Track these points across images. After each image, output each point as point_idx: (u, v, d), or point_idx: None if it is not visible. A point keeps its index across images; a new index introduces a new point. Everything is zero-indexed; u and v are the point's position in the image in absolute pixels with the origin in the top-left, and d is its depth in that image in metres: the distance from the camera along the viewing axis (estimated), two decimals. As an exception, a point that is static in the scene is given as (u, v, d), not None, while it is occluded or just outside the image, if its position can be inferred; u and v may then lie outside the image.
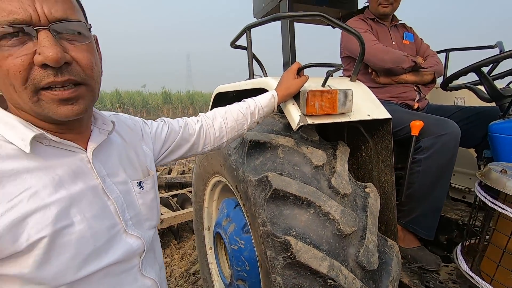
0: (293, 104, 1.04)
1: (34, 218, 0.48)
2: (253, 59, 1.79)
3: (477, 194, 0.88)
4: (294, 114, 1.01)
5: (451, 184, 1.88)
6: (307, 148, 1.11)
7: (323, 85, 1.11)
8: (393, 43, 1.76)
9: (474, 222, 0.93)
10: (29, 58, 0.47)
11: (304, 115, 1.00)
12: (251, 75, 1.48)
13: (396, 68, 1.60)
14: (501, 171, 0.79)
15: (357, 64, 1.20)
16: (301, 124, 0.99)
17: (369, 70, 1.72)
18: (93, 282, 0.56)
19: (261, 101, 1.00)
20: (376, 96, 1.67)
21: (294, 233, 0.94)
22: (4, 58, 0.46)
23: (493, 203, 0.80)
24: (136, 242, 0.64)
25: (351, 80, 1.26)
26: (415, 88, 1.67)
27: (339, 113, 1.04)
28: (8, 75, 0.47)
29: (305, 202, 0.98)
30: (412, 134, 1.31)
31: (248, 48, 1.43)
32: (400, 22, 1.88)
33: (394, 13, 1.82)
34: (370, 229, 1.00)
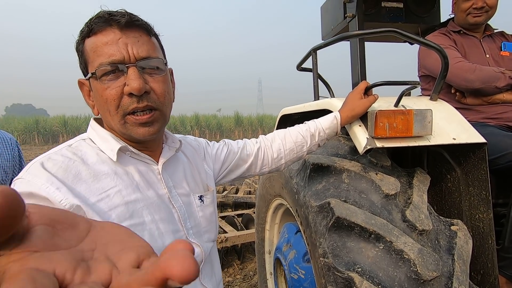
0: (360, 125, 0.96)
1: (116, 211, 0.58)
2: (320, 80, 1.77)
3: None
4: (361, 137, 0.93)
5: None
6: (376, 174, 1.00)
7: (396, 105, 1.01)
8: (487, 56, 1.50)
9: None
10: (121, 89, 0.60)
11: (372, 137, 0.91)
12: (316, 97, 1.44)
13: (487, 88, 1.35)
14: None
15: (438, 81, 1.06)
16: (369, 147, 0.90)
17: (452, 91, 1.49)
18: None
19: (323, 123, 0.96)
20: (467, 113, 1.43)
21: (359, 269, 0.84)
22: (104, 90, 0.60)
23: None
24: (196, 249, 0.70)
25: (431, 99, 1.11)
26: None
27: (415, 136, 0.92)
28: (106, 102, 0.61)
29: (373, 235, 0.87)
30: (517, 162, 1.07)
31: (313, 70, 1.41)
32: (496, 31, 1.60)
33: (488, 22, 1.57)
34: (458, 277, 0.82)
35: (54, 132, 23.75)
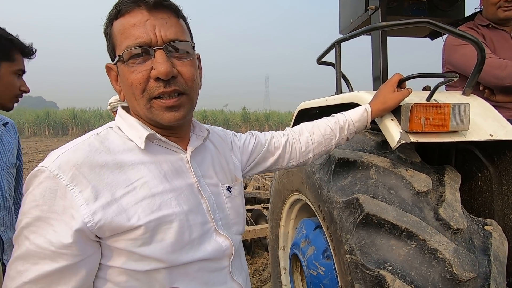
0: (392, 119, 0.93)
1: (143, 204, 0.56)
2: (342, 77, 1.72)
3: None
4: (394, 131, 0.90)
5: None
6: (406, 170, 0.97)
7: (429, 99, 0.96)
8: None
9: None
10: (147, 73, 0.58)
11: (406, 132, 0.88)
12: (339, 91, 1.41)
13: None
14: None
15: (473, 75, 1.01)
16: (402, 141, 0.87)
17: (481, 88, 1.43)
18: (189, 274, 0.61)
19: (352, 115, 0.92)
20: (498, 110, 1.37)
21: (390, 267, 0.81)
22: (130, 73, 0.58)
23: None
24: (225, 242, 0.67)
25: (464, 94, 1.07)
26: None
27: (450, 131, 0.88)
28: (131, 86, 0.59)
29: (404, 233, 0.84)
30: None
31: (336, 63, 1.37)
32: None
33: None
34: (495, 278, 0.79)
35: (64, 124, 24.07)
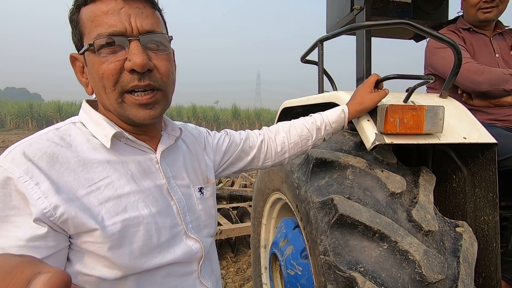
0: (368, 120, 0.92)
1: (108, 205, 0.53)
2: (326, 75, 1.72)
3: None
4: (369, 132, 0.89)
5: None
6: (381, 171, 0.97)
7: (406, 100, 0.97)
8: (497, 55, 1.44)
9: None
10: (120, 64, 0.54)
11: (382, 133, 0.88)
12: (321, 90, 1.40)
13: (495, 90, 1.31)
14: None
15: (450, 78, 1.02)
16: (377, 143, 0.86)
17: (459, 92, 1.45)
18: (157, 281, 0.59)
19: (329, 116, 0.91)
20: (474, 114, 1.39)
21: (362, 269, 0.81)
22: (101, 63, 0.54)
23: None
24: (196, 245, 0.65)
25: (441, 96, 1.07)
26: None
27: (425, 134, 0.88)
28: (102, 77, 0.54)
29: (377, 234, 0.84)
30: (525, 165, 1.04)
31: (319, 62, 1.36)
32: (507, 28, 1.54)
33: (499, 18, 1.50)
34: (463, 280, 0.79)
35: (48, 117, 23.38)
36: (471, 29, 1.50)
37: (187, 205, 0.66)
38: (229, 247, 3.25)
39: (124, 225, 0.54)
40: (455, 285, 0.79)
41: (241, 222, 3.33)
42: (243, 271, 2.87)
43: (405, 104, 0.88)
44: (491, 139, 0.93)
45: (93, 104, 0.63)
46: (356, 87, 1.72)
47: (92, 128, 0.59)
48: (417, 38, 2.36)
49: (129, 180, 0.57)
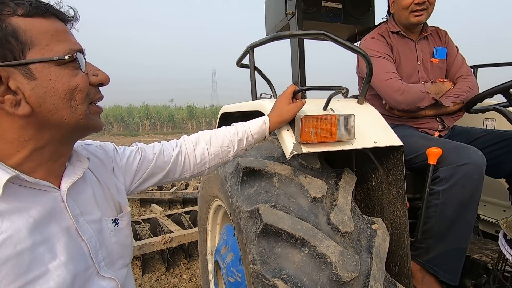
0: (288, 130, 0.96)
1: (7, 267, 0.46)
2: (264, 79, 1.74)
3: (500, 246, 0.72)
4: (288, 142, 0.93)
5: (482, 217, 1.67)
6: (305, 177, 1.01)
7: (325, 108, 1.02)
8: (419, 62, 1.51)
9: (501, 273, 0.76)
10: (88, 78, 0.57)
11: (299, 142, 0.91)
12: (254, 96, 1.41)
13: (412, 108, 1.40)
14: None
15: (364, 86, 1.10)
16: (295, 152, 0.90)
17: (384, 102, 1.51)
18: None
19: (252, 127, 0.92)
20: (392, 119, 1.52)
21: (285, 276, 0.84)
22: (74, 76, 0.55)
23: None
24: (110, 284, 0.62)
25: (358, 102, 1.15)
26: (437, 119, 1.47)
27: (339, 141, 0.94)
28: (75, 90, 0.54)
29: (298, 241, 0.87)
30: (429, 162, 1.17)
31: (250, 68, 1.37)
32: (431, 26, 1.58)
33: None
34: (375, 275, 0.87)
35: None
36: (399, 33, 1.52)
37: (99, 241, 0.62)
38: (182, 254, 3.17)
39: (31, 286, 0.48)
40: (367, 280, 0.85)
41: (195, 226, 3.27)
42: (196, 276, 2.82)
43: (319, 114, 0.92)
44: (398, 142, 1.03)
45: None
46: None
47: None
48: (351, 40, 2.52)
49: (31, 230, 0.50)
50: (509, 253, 0.67)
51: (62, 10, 0.57)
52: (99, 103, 0.62)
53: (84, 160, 0.64)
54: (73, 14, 0.59)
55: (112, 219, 0.67)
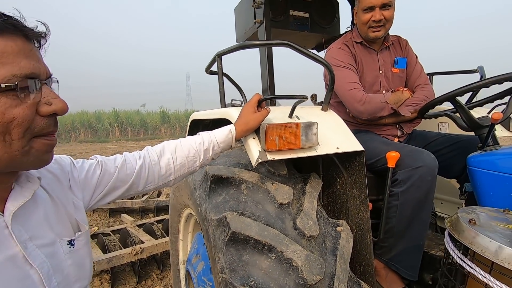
0: (254, 138, 0.97)
1: None
2: (234, 85, 1.75)
3: (446, 244, 0.78)
4: (254, 150, 0.94)
5: (439, 214, 1.79)
6: (272, 184, 1.03)
7: (290, 115, 1.05)
8: (380, 72, 1.59)
9: (446, 267, 0.82)
10: (35, 109, 0.51)
11: (264, 150, 0.93)
12: (223, 103, 1.42)
13: (373, 117, 1.48)
14: (470, 221, 0.70)
15: (327, 94, 1.15)
16: (260, 160, 0.92)
17: (348, 110, 1.57)
18: None
19: (218, 136, 0.93)
20: (355, 125, 1.59)
21: (253, 282, 0.85)
22: (12, 107, 0.48)
23: (461, 259, 0.69)
24: None
25: (322, 109, 1.20)
26: (397, 126, 1.56)
27: (303, 148, 0.97)
28: (11, 123, 0.48)
29: (266, 247, 0.89)
30: (388, 166, 1.24)
31: (219, 75, 1.38)
32: (392, 35, 1.66)
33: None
34: (339, 276, 0.90)
35: None
36: (363, 43, 1.59)
37: (53, 266, 0.58)
38: (155, 264, 3.07)
39: None
40: (332, 282, 0.89)
41: (168, 235, 3.18)
42: (170, 287, 2.74)
43: (283, 122, 0.95)
44: (359, 147, 1.08)
45: None
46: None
47: None
48: (319, 48, 2.61)
49: None
50: (452, 250, 0.73)
51: (27, 25, 0.51)
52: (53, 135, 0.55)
53: (34, 181, 0.59)
54: (42, 30, 0.53)
55: (67, 240, 0.63)
